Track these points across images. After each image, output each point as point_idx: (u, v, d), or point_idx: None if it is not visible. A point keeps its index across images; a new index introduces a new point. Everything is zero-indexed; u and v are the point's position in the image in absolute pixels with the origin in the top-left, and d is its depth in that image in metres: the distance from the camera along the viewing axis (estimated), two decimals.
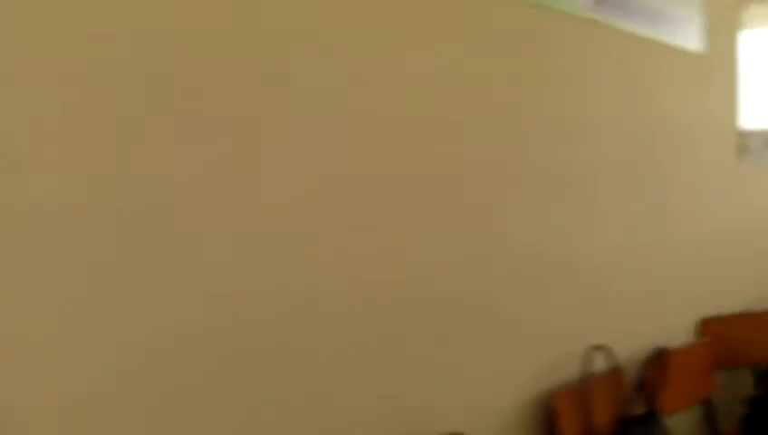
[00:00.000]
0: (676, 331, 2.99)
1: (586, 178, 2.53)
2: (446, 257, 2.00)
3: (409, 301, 1.90)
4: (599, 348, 2.48)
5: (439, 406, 2.00)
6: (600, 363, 2.47)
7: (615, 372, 2.48)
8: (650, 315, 2.84)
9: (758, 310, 3.42)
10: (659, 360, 2.58)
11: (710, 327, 3.12)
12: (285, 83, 1.60)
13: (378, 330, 1.81)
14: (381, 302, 1.82)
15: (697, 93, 3.13)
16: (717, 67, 3.28)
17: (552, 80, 2.39)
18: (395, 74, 1.85)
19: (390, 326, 1.85)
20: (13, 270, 1.22)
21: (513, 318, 2.22)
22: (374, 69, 1.80)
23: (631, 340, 2.72)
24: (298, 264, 1.63)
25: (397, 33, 1.86)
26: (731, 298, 3.37)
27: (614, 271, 2.66)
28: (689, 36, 3.06)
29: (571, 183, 2.45)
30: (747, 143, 3.48)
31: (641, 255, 2.80)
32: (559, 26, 2.41)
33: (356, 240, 1.76)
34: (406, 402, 1.90)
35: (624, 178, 2.72)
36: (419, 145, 1.92)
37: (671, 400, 2.67)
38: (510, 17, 2.23)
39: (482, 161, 2.11)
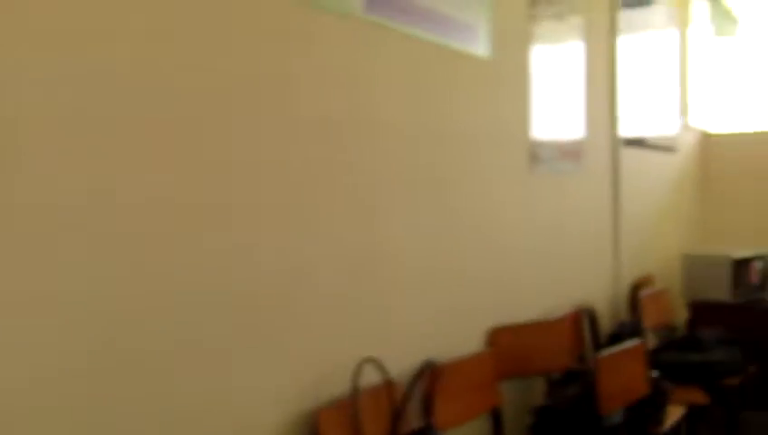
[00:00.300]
0: (465, 341, 2.93)
1: (363, 182, 2.42)
2: (187, 262, 1.83)
3: (134, 311, 1.72)
4: (370, 361, 2.37)
5: (180, 430, 1.83)
6: (374, 378, 2.36)
7: (388, 386, 2.38)
8: (435, 326, 2.75)
9: (551, 318, 3.42)
10: (432, 372, 2.49)
11: (500, 336, 3.08)
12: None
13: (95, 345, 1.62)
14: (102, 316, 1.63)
15: (486, 100, 3.10)
16: (507, 76, 3.27)
17: (321, 82, 2.27)
18: (143, 73, 1.67)
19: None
20: None
21: (268, 329, 2.07)
22: (114, 67, 1.61)
23: (415, 352, 2.62)
24: None
25: (154, 31, 1.69)
26: (524, 307, 3.36)
27: (395, 278, 2.56)
28: (476, 42, 3.03)
29: (343, 186, 2.34)
30: (540, 153, 3.49)
31: (426, 263, 2.72)
32: (331, 28, 2.30)
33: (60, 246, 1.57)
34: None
35: (408, 184, 2.64)
36: (157, 147, 1.75)
37: (451, 412, 2.59)
38: (278, 18, 2.10)
39: (239, 162, 1.96)
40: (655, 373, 3.21)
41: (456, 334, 2.88)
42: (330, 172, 2.30)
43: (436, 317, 2.77)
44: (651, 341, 4.43)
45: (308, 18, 2.22)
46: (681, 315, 4.79)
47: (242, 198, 1.99)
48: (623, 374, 2.98)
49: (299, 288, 2.17)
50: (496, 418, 2.92)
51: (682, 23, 5.57)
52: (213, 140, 1.92)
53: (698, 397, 3.67)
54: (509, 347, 3.11)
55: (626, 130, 4.48)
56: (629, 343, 3.14)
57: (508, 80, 3.28)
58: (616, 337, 3.68)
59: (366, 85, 2.45)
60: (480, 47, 3.08)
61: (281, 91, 2.13)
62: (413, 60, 2.67)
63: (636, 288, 4.41)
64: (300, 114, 2.19)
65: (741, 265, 4.68)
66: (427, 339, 2.70)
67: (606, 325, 4.03)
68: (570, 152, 3.80)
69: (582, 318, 3.70)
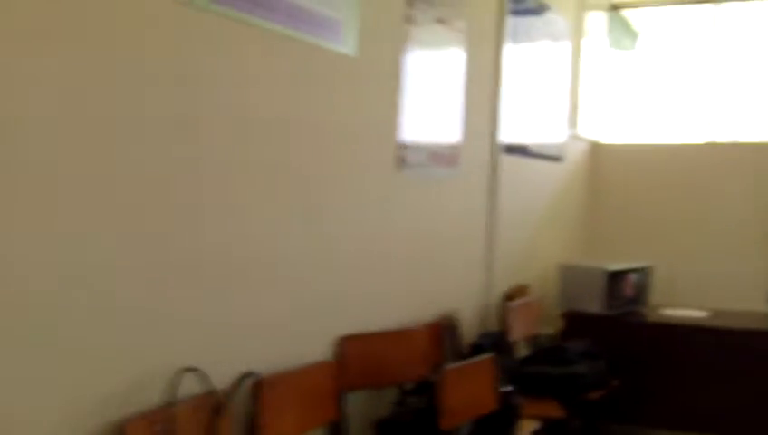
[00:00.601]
0: (310, 349, 2.81)
1: (199, 180, 2.29)
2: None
3: None
4: (191, 370, 2.24)
5: None
6: (198, 388, 2.25)
7: (210, 398, 2.25)
8: (276, 334, 2.63)
9: (408, 327, 3.35)
10: (256, 384, 2.38)
11: (350, 345, 2.98)
12: None
13: None
14: None
15: (350, 99, 3.00)
16: (376, 75, 3.17)
17: (160, 73, 2.13)
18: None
19: None
20: None
21: (65, 330, 1.93)
22: None
23: (250, 361, 2.50)
24: None
25: None
26: (383, 315, 3.27)
27: (232, 281, 2.44)
28: (341, 39, 2.93)
29: (182, 183, 2.20)
30: (409, 156, 3.40)
31: (270, 267, 2.60)
32: (171, 16, 2.17)
33: None
34: None
35: (262, 185, 2.52)
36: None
37: (281, 425, 2.48)
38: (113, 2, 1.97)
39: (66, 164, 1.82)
40: (507, 387, 3.16)
41: (301, 342, 2.77)
42: (165, 169, 2.17)
43: (278, 325, 2.65)
44: (523, 351, 4.41)
45: (145, 3, 2.09)
46: (557, 326, 4.79)
47: (66, 195, 1.85)
48: (469, 388, 2.92)
49: (107, 289, 2.03)
50: (336, 431, 2.82)
51: (576, 34, 5.57)
52: (36, 140, 1.77)
53: (554, 411, 3.65)
54: (360, 357, 3.01)
55: (509, 137, 4.45)
56: (479, 357, 3.08)
57: (376, 80, 3.19)
58: (478, 348, 3.64)
59: (212, 79, 2.32)
60: (345, 44, 2.97)
61: (113, 83, 1.99)
62: (267, 54, 2.54)
63: (510, 298, 4.38)
64: (135, 108, 2.06)
65: (616, 278, 4.70)
66: (266, 347, 2.58)
67: (474, 335, 3.98)
68: (443, 157, 3.73)
69: (445, 328, 3.64)
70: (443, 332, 3.60)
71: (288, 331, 2.70)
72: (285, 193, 2.65)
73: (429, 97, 3.62)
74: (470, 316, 4.04)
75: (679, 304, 5.34)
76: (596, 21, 5.98)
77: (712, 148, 5.93)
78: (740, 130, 6.03)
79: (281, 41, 2.60)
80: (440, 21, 3.74)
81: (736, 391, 4.40)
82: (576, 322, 4.67)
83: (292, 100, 2.66)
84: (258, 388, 2.36)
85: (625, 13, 6.40)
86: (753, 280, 5.66)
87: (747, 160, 5.76)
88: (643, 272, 5.01)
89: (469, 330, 3.94)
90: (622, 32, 6.43)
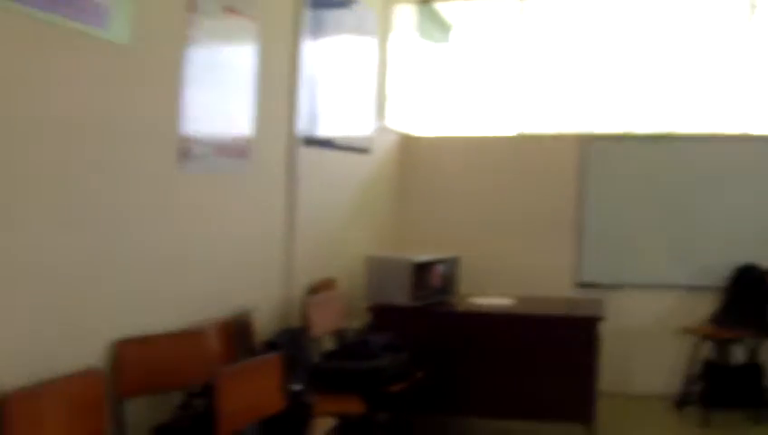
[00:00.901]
0: (79, 356, 2.62)
1: None
2: None
3: None
4: None
5: None
6: None
7: None
8: (32, 342, 2.44)
9: (193, 328, 3.20)
10: None
11: (127, 350, 2.82)
12: None
13: None
14: None
15: (121, 90, 2.82)
16: (152, 65, 3.01)
17: None
18: None
19: None
20: None
21: None
22: None
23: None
24: None
25: None
26: (166, 316, 3.11)
27: None
28: (107, 25, 2.74)
29: None
30: (192, 149, 3.26)
31: (38, 268, 2.41)
32: None
33: None
34: None
35: (7, 185, 2.31)
36: None
37: None
38: None
39: None
40: (297, 386, 3.09)
41: (65, 350, 2.57)
42: None
43: (29, 333, 2.44)
44: (329, 346, 4.35)
45: None
46: (366, 319, 4.75)
47: None
48: (251, 389, 2.81)
49: None
50: None
51: (384, 27, 5.57)
52: None
53: (354, 406, 3.60)
54: (139, 361, 2.86)
55: (311, 129, 4.37)
56: (262, 356, 2.99)
57: (152, 69, 3.03)
58: (272, 345, 3.53)
59: None
60: (114, 31, 2.79)
61: None
62: (11, 40, 2.34)
63: (314, 292, 4.30)
64: None
65: (423, 269, 4.71)
66: (14, 359, 2.37)
67: (272, 332, 3.87)
68: (232, 149, 3.60)
69: (238, 326, 3.52)
70: (235, 330, 3.48)
71: (45, 339, 2.50)
72: (39, 190, 2.46)
73: (217, 89, 3.48)
74: (269, 313, 3.94)
75: (489, 293, 5.42)
76: (406, 14, 6.01)
77: (521, 140, 6.09)
78: (548, 122, 6.22)
79: (31, 24, 2.40)
80: (230, 10, 3.61)
81: (541, 375, 4.50)
82: (383, 314, 4.65)
83: (44, 91, 2.46)
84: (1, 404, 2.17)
85: (438, 6, 6.45)
86: (560, 267, 5.86)
87: (555, 152, 5.95)
88: (451, 262, 5.06)
89: (267, 327, 3.83)
90: (433, 25, 6.49)
